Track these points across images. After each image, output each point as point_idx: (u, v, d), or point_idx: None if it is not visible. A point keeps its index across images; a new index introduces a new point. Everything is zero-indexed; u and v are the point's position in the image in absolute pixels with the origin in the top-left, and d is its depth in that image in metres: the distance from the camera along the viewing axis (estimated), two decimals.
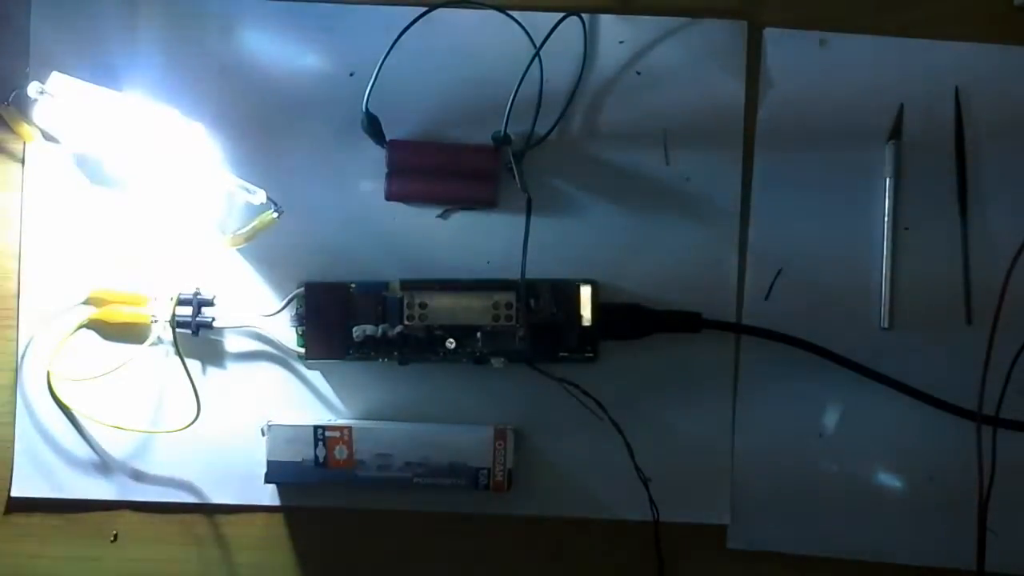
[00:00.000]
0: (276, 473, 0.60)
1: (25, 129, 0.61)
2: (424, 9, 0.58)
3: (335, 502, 0.62)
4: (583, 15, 0.60)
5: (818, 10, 0.61)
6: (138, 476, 0.62)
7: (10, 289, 0.62)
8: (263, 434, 0.60)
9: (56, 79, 0.56)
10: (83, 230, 0.62)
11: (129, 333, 0.61)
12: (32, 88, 0.56)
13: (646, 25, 0.61)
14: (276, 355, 0.62)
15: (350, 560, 0.62)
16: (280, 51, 0.62)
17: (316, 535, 0.62)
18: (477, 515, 0.62)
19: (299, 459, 0.59)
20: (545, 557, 0.62)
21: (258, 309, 0.61)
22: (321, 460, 0.59)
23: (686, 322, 0.60)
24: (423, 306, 0.59)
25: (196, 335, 0.60)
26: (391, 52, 0.58)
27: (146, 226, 0.62)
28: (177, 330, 0.59)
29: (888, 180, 0.61)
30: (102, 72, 0.59)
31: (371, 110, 0.58)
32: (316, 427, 0.59)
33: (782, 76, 0.61)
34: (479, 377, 0.61)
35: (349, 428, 0.59)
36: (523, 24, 0.59)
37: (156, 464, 0.62)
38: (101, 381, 0.61)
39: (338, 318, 0.60)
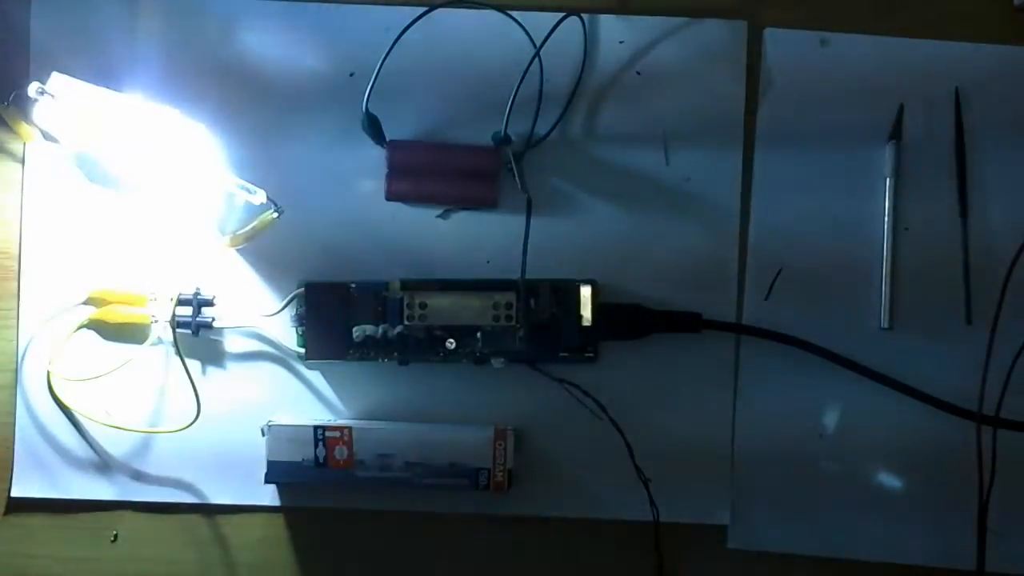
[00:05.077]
0: (276, 473, 0.60)
1: (25, 129, 0.61)
2: (424, 9, 0.58)
3: (335, 502, 0.62)
4: (583, 15, 0.60)
5: (818, 10, 0.61)
6: (138, 476, 0.62)
7: (10, 289, 0.62)
8: (263, 434, 0.60)
9: (56, 79, 0.56)
10: (83, 230, 0.62)
11: (129, 333, 0.61)
12: (32, 88, 0.56)
13: (646, 25, 0.61)
14: (276, 355, 0.62)
15: (350, 560, 0.62)
16: (280, 51, 0.62)
17: (316, 535, 0.62)
18: (477, 515, 0.62)
19: (299, 459, 0.59)
20: (545, 557, 0.62)
21: (258, 309, 0.61)
22: (321, 460, 0.59)
23: (686, 322, 0.60)
24: (423, 306, 0.59)
25: (196, 335, 0.60)
26: (391, 52, 0.58)
27: (146, 226, 0.62)
28: (177, 330, 0.59)
29: (888, 180, 0.61)
30: (102, 72, 0.59)
31: (371, 110, 0.58)
32: (316, 427, 0.59)
33: (782, 76, 0.61)
34: (479, 377, 0.61)
35: (349, 428, 0.59)
36: (523, 24, 0.59)
37: (156, 464, 0.62)
38: (101, 381, 0.61)
39: (338, 318, 0.60)
